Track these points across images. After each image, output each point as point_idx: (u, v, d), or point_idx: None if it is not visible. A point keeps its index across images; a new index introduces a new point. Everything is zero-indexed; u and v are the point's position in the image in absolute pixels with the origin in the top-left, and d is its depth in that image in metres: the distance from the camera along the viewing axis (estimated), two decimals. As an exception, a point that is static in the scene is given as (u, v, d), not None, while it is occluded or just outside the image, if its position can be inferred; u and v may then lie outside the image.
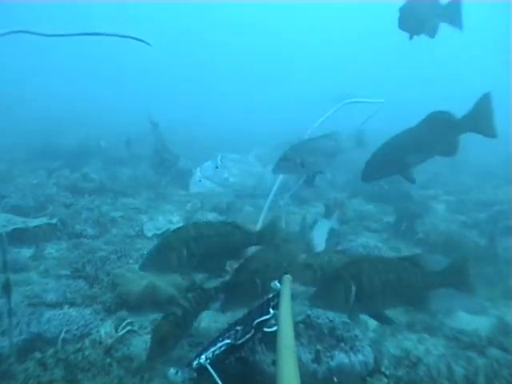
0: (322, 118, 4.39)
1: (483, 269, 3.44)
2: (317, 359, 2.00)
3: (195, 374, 1.74)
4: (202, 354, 1.76)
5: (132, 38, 2.57)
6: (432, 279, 2.05)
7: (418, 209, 4.81)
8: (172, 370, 1.78)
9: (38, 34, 2.35)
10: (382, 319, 2.11)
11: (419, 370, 2.20)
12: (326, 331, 2.16)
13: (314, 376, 1.95)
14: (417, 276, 2.01)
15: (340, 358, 2.02)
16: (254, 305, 2.12)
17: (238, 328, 1.91)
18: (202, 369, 1.72)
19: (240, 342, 1.82)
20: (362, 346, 2.11)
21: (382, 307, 2.06)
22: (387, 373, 2.16)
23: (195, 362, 1.73)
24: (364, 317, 2.75)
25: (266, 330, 1.91)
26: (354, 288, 1.91)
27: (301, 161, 3.06)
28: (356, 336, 2.16)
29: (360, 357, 2.05)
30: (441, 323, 2.74)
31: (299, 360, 1.90)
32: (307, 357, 2.01)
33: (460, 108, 2.33)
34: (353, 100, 4.54)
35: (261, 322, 1.88)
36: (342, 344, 2.10)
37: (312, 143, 3.26)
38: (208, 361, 1.72)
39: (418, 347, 2.49)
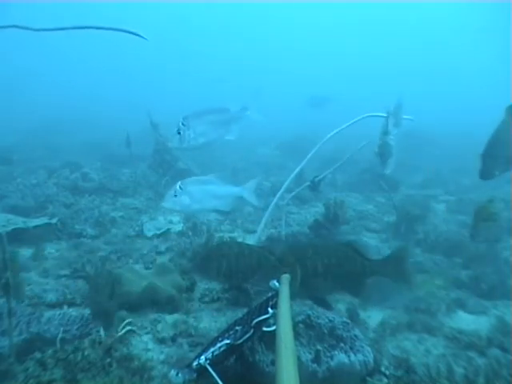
0: (338, 129, 4.16)
1: (483, 269, 3.46)
2: (316, 359, 2.00)
3: (195, 375, 1.74)
4: (201, 355, 1.76)
5: (127, 31, 2.46)
6: (370, 267, 2.11)
7: (420, 211, 4.79)
8: (173, 372, 1.77)
9: (30, 29, 2.29)
10: (323, 304, 2.17)
11: (419, 370, 2.20)
12: (325, 331, 2.16)
13: (313, 376, 1.95)
14: (356, 262, 2.07)
15: (340, 357, 2.02)
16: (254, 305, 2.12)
17: (238, 328, 1.91)
18: (201, 369, 1.72)
19: (239, 341, 1.82)
20: (362, 346, 2.11)
21: (324, 291, 2.19)
22: (387, 373, 2.16)
23: (195, 363, 1.73)
24: (364, 317, 2.76)
25: (265, 329, 1.92)
26: (299, 271, 1.97)
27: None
28: (356, 336, 2.16)
29: (360, 357, 2.05)
30: (441, 323, 2.74)
31: (299, 360, 1.90)
32: (307, 357, 2.01)
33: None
34: (376, 114, 4.14)
35: (260, 321, 1.88)
36: (342, 344, 2.10)
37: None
38: (208, 361, 1.72)
39: (417, 347, 2.49)
